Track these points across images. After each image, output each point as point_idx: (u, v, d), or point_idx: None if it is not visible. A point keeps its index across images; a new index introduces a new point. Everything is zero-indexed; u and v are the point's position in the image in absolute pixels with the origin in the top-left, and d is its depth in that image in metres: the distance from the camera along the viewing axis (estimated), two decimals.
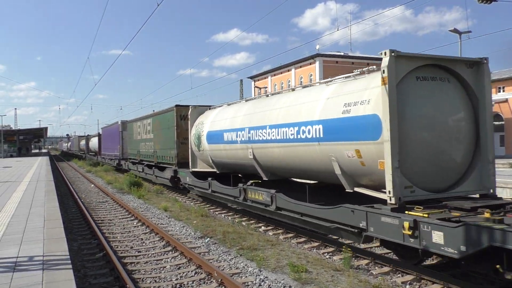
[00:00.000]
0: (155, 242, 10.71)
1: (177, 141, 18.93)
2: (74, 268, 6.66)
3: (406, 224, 6.71)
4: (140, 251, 9.86)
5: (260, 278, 7.45)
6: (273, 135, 10.75)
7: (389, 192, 7.17)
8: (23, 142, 79.59)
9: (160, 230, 11.39)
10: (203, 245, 10.06)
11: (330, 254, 9.40)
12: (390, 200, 7.18)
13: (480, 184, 7.91)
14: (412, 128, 7.32)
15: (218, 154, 14.51)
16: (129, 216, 14.68)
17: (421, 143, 7.35)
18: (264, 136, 11.18)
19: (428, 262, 8.35)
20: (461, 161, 7.80)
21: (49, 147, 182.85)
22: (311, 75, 56.36)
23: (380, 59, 7.46)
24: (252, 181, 12.84)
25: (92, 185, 25.90)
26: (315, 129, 9.13)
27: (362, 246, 9.41)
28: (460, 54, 27.19)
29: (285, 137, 10.25)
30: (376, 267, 8.28)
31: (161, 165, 22.00)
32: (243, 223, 12.82)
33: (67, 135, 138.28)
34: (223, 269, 8.02)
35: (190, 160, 17.20)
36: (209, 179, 15.33)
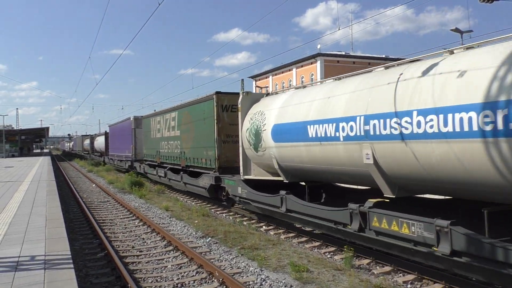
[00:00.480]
0: (157, 241, 10.72)
1: (218, 139, 14.89)
2: (75, 268, 6.68)
3: None
4: (141, 251, 9.88)
5: (261, 278, 7.46)
6: (428, 126, 6.45)
7: None
8: (25, 142, 79.70)
9: (161, 229, 11.41)
10: (204, 245, 10.07)
11: (331, 253, 9.40)
12: None
13: None
14: None
15: (291, 157, 10.23)
16: (130, 215, 14.70)
17: None
18: (405, 129, 6.86)
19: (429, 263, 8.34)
20: None
21: (51, 147, 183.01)
22: (312, 74, 56.37)
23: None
24: (374, 200, 8.13)
25: (94, 185, 25.94)
26: None
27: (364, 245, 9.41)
28: None
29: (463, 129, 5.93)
30: (378, 267, 8.28)
31: (191, 169, 17.93)
32: (244, 223, 12.82)
33: (69, 135, 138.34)
34: (224, 269, 8.02)
35: (241, 164, 12.85)
36: (283, 192, 10.75)
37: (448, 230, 6.30)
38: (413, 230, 6.90)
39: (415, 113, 6.69)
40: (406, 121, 6.86)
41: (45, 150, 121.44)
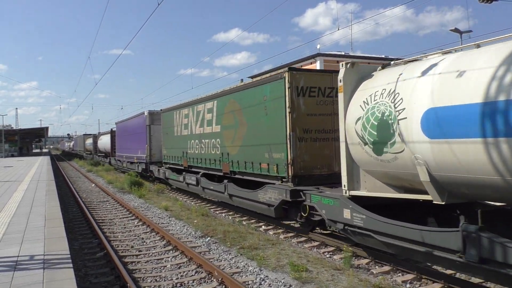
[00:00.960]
0: (156, 241, 10.72)
1: (292, 136, 10.50)
2: (75, 267, 6.68)
3: None
4: (140, 251, 9.88)
5: (261, 277, 7.46)
6: None
7: None
8: (24, 141, 79.64)
9: (160, 229, 11.40)
10: (203, 245, 10.07)
11: (331, 253, 9.41)
12: None
13: None
14: None
15: (468, 162, 5.89)
16: (129, 215, 14.70)
17: None
18: None
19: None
20: None
21: (51, 147, 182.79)
22: None
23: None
24: None
25: (93, 185, 25.92)
26: None
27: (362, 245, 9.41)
28: None
29: None
30: (377, 266, 8.28)
31: (241, 177, 13.34)
32: (244, 223, 12.82)
33: (68, 134, 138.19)
34: (224, 268, 8.02)
35: (344, 173, 8.53)
36: (463, 223, 6.08)
37: None
38: None
39: None
40: None
41: (44, 150, 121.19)
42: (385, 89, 7.51)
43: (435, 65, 6.64)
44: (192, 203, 17.70)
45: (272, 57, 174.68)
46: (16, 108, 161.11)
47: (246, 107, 12.73)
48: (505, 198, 6.23)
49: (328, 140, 10.86)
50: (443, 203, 6.64)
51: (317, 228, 10.68)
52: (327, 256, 9.21)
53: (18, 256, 7.05)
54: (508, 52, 5.61)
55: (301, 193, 9.97)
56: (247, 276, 7.66)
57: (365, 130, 7.77)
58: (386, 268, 8.09)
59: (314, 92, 10.84)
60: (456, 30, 29.59)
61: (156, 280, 7.73)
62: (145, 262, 8.89)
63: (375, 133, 7.53)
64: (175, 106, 20.26)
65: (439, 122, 6.31)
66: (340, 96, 8.59)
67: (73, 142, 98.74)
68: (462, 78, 6.03)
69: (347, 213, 8.41)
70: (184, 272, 8.10)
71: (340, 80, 8.56)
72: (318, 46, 56.19)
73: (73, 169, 43.88)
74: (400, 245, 7.24)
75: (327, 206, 9.00)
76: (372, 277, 7.55)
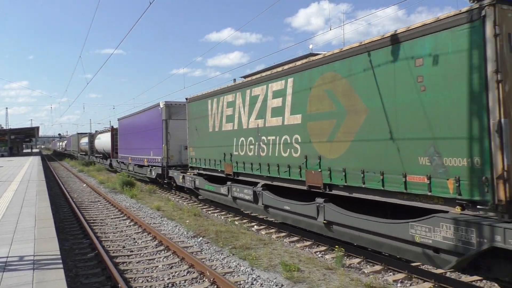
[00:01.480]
0: (148, 241, 10.67)
1: (506, 125, 5.87)
2: (65, 268, 6.63)
3: None
4: (132, 251, 9.83)
5: (253, 277, 7.46)
6: None
7: None
8: (15, 141, 78.84)
9: (152, 229, 11.36)
10: (195, 245, 10.05)
11: (322, 253, 9.44)
12: None
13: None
14: None
15: None
16: (121, 215, 14.62)
17: None
18: None
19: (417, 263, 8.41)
20: None
21: (42, 146, 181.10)
22: None
23: None
24: None
25: (84, 185, 25.74)
26: None
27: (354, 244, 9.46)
28: None
29: None
30: (368, 266, 8.33)
31: (343, 193, 8.85)
32: (236, 223, 12.82)
33: (59, 134, 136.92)
34: (216, 268, 8.02)
35: None
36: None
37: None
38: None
39: None
40: None
41: (35, 150, 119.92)
42: None
43: None
44: (185, 203, 17.65)
45: (265, 56, 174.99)
46: (6, 108, 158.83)
47: (365, 83, 8.02)
48: None
49: None
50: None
51: None
52: (319, 255, 9.24)
53: (7, 257, 6.98)
54: None
55: None
56: (239, 276, 7.66)
57: None
58: (378, 267, 8.14)
59: None
60: None
61: (147, 280, 7.70)
62: (137, 263, 8.85)
63: None
64: (210, 92, 15.17)
65: None
66: None
67: (65, 141, 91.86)
68: None
69: None
70: (176, 272, 8.08)
71: None
72: (311, 46, 56.26)
73: (64, 169, 43.53)
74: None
75: None
76: (364, 277, 7.59)
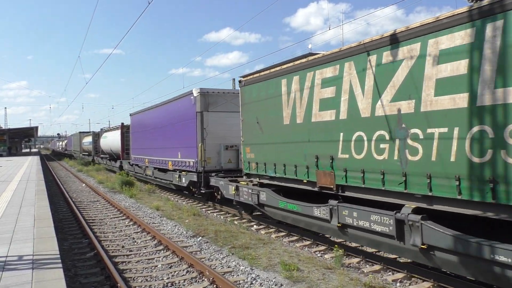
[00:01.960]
0: (147, 241, 10.67)
1: None
2: (64, 267, 6.62)
3: None
4: (131, 250, 9.82)
5: (252, 277, 7.46)
6: None
7: None
8: (13, 141, 78.77)
9: (151, 229, 11.35)
10: (195, 244, 10.05)
11: (322, 252, 9.44)
12: None
13: None
14: None
15: None
16: (120, 215, 14.61)
17: None
18: None
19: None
20: None
21: (41, 146, 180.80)
22: None
23: None
24: None
25: (83, 185, 25.72)
26: None
27: (353, 244, 9.45)
28: None
29: None
30: (367, 265, 8.33)
31: None
32: (235, 222, 12.82)
33: (58, 134, 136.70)
34: (215, 268, 8.02)
35: None
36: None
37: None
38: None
39: None
40: None
41: (33, 150, 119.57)
42: None
43: None
44: (184, 202, 17.65)
45: (264, 56, 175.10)
46: (5, 108, 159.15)
47: None
48: None
49: None
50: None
51: None
52: (318, 255, 9.24)
53: (6, 256, 6.97)
54: None
55: None
56: (238, 275, 7.65)
57: None
58: (377, 267, 8.14)
59: None
60: None
61: (147, 280, 7.69)
62: (136, 262, 8.85)
63: None
64: (285, 68, 10.77)
65: None
66: None
67: (66, 141, 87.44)
68: None
69: None
70: (175, 271, 8.07)
71: None
72: (310, 46, 56.35)
73: (63, 169, 43.49)
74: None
75: None
76: (363, 276, 7.59)
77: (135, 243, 10.53)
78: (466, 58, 6.15)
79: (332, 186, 8.94)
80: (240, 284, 7.18)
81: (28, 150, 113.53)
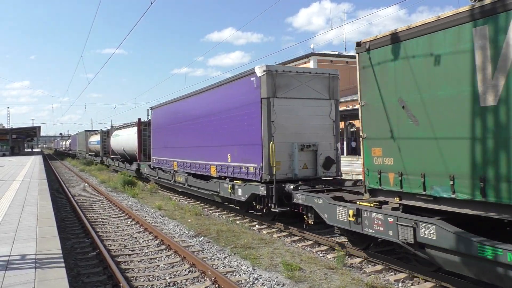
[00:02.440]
0: (149, 240, 10.68)
1: None
2: (67, 267, 6.64)
3: None
4: (133, 250, 9.84)
5: (254, 277, 7.47)
6: None
7: None
8: (16, 141, 78.97)
9: (154, 228, 11.37)
10: (197, 244, 10.06)
11: (324, 252, 9.43)
12: None
13: None
14: None
15: None
16: (122, 215, 14.64)
17: None
18: None
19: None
20: None
21: (44, 146, 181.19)
22: None
23: None
24: None
25: (86, 184, 25.77)
26: None
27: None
28: None
29: None
30: (369, 266, 8.32)
31: None
32: (237, 222, 12.82)
33: (60, 133, 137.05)
34: (217, 268, 8.02)
35: None
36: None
37: None
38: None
39: None
40: None
41: (36, 149, 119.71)
42: None
43: None
44: (186, 202, 17.66)
45: (266, 56, 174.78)
46: (8, 107, 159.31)
47: None
48: None
49: None
50: None
51: None
52: (320, 255, 9.24)
53: (9, 256, 7.00)
54: None
55: None
56: (240, 275, 7.66)
57: None
58: (379, 267, 8.13)
59: None
60: None
61: (149, 279, 7.71)
62: (138, 262, 8.86)
63: None
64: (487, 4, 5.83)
65: None
66: None
67: (70, 140, 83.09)
68: None
69: None
70: (177, 271, 8.09)
71: None
72: (312, 46, 56.35)
73: (65, 169, 43.59)
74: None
75: None
76: (365, 276, 7.58)
77: (137, 243, 10.54)
78: None
79: None
80: (242, 283, 7.18)
81: (29, 149, 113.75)
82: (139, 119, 26.68)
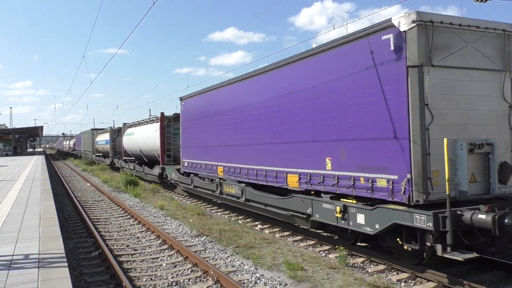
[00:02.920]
0: (151, 240, 10.71)
1: None
2: (69, 266, 6.66)
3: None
4: (136, 250, 9.86)
5: (256, 276, 7.48)
6: None
7: None
8: (19, 141, 79.24)
9: (156, 228, 11.39)
10: (199, 243, 10.07)
11: (326, 252, 9.43)
12: None
13: None
14: None
15: None
16: (125, 214, 14.66)
17: None
18: None
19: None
20: None
21: (47, 146, 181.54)
22: None
23: None
24: None
25: (88, 184, 25.83)
26: None
27: (360, 244, 9.44)
28: None
29: None
30: (372, 265, 8.32)
31: None
32: (240, 222, 12.83)
33: (63, 133, 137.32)
34: (219, 267, 8.04)
35: None
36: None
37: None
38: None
39: None
40: None
41: (38, 149, 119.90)
42: None
43: None
44: (188, 202, 17.69)
45: (268, 56, 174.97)
46: (11, 107, 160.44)
47: None
48: None
49: None
50: None
51: None
52: (323, 255, 9.24)
53: (13, 255, 7.02)
54: None
55: None
56: (242, 275, 7.67)
57: None
58: (381, 267, 8.13)
59: None
60: None
61: (151, 279, 7.72)
62: (141, 261, 8.88)
63: None
64: None
65: None
66: None
67: (74, 140, 78.75)
68: None
69: None
70: (179, 271, 8.10)
71: None
72: (314, 45, 56.40)
73: (68, 168, 43.68)
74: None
75: None
76: (367, 276, 7.58)
77: (140, 242, 10.57)
78: None
79: None
80: (244, 283, 7.19)
81: (32, 149, 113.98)
82: (162, 113, 21.91)
